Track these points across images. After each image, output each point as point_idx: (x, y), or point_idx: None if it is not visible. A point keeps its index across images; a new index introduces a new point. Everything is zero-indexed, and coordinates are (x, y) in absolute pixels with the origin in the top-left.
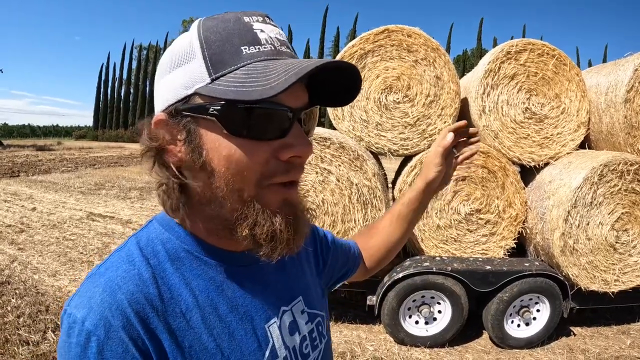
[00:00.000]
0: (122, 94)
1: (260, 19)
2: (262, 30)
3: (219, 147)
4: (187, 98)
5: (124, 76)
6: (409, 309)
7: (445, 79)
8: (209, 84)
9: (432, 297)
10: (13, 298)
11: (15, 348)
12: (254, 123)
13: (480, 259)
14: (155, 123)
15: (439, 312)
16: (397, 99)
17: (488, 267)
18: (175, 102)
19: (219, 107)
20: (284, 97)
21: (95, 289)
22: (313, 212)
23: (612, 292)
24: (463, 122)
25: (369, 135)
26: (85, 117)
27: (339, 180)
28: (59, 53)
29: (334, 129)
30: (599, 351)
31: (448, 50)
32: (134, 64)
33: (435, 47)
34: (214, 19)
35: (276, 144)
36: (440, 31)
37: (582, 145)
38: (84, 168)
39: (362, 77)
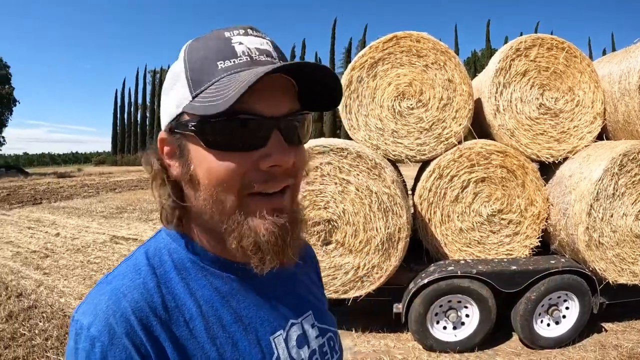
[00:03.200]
0: (139, 118)
1: (242, 31)
2: (240, 43)
3: (201, 161)
4: (178, 117)
5: (139, 100)
6: (436, 314)
7: (457, 81)
8: (191, 101)
9: (459, 302)
10: (40, 321)
11: None
12: (227, 135)
13: (505, 260)
14: (159, 141)
15: (467, 316)
16: (411, 104)
17: (514, 267)
18: (171, 121)
19: (195, 123)
20: (261, 106)
21: (101, 297)
22: (334, 223)
23: None
24: None
25: (385, 143)
26: (103, 143)
27: (358, 190)
28: (71, 81)
29: (350, 139)
30: (632, 346)
31: (456, 52)
32: (149, 88)
33: (444, 50)
34: (198, 40)
35: (257, 154)
36: (447, 34)
37: (600, 137)
38: (104, 192)
39: (374, 85)
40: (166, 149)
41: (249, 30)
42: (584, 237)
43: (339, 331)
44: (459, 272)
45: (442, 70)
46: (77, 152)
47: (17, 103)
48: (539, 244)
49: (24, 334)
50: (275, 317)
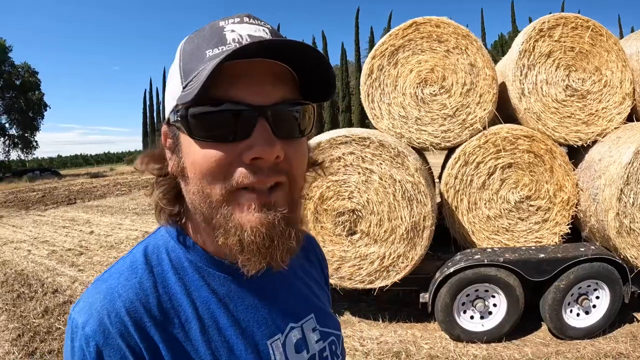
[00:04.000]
0: None
1: (238, 20)
2: (232, 31)
3: (189, 152)
4: (173, 108)
5: None
6: (463, 304)
7: (480, 65)
8: (182, 91)
9: (486, 291)
10: None
11: None
12: (209, 125)
13: (533, 247)
14: (162, 135)
15: (494, 305)
16: (434, 91)
17: (542, 255)
18: (169, 114)
19: (179, 113)
20: (246, 94)
21: (96, 295)
22: (359, 213)
23: None
24: None
25: (409, 131)
26: (134, 142)
27: (381, 179)
28: (102, 84)
29: (375, 128)
30: None
31: (483, 36)
32: None
33: (465, 34)
34: (195, 31)
35: (241, 145)
36: (473, 19)
37: (630, 118)
38: (137, 190)
39: (396, 73)
40: (168, 142)
41: (245, 18)
42: (615, 223)
43: (364, 322)
44: (485, 260)
45: (464, 55)
46: (109, 152)
47: (47, 108)
48: (569, 231)
49: (59, 327)
50: (274, 321)
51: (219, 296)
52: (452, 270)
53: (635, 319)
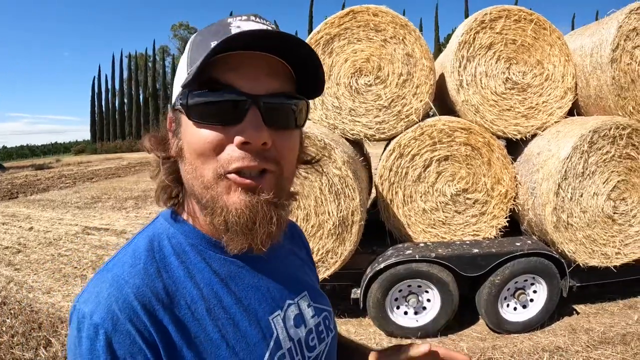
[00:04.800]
0: (117, 104)
1: (245, 17)
2: (238, 27)
3: (186, 134)
4: (179, 94)
5: (117, 87)
6: (395, 299)
7: (418, 56)
8: (186, 77)
9: (419, 286)
10: (8, 318)
11: None
12: (205, 107)
13: (467, 242)
14: (168, 120)
15: (428, 300)
16: (369, 81)
17: (476, 250)
18: (175, 99)
19: (181, 96)
20: (242, 82)
21: (102, 284)
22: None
23: (615, 266)
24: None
25: (342, 122)
26: (83, 132)
27: (307, 172)
28: (50, 71)
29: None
30: (604, 329)
31: (437, 30)
32: (125, 74)
33: (403, 24)
34: (206, 27)
35: (233, 130)
36: (427, 12)
37: (571, 113)
38: (81, 183)
39: (331, 62)
40: (173, 126)
41: (252, 17)
42: (552, 217)
43: None
44: (417, 256)
45: (402, 45)
46: (56, 143)
47: None
48: (507, 224)
49: None
50: (273, 298)
51: (221, 277)
52: (382, 266)
53: (574, 312)
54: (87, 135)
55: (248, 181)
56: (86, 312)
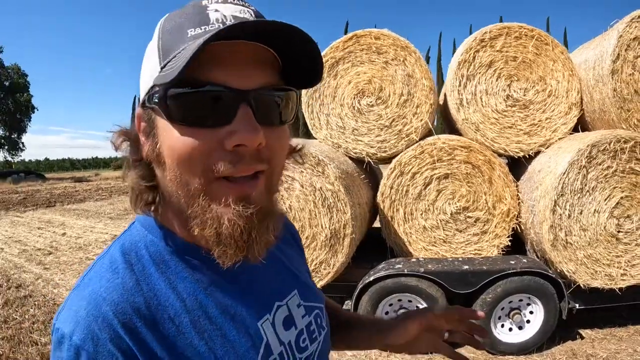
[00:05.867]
0: None
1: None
2: (216, 10)
3: (165, 136)
4: (150, 89)
5: None
6: (386, 313)
7: (418, 76)
8: (160, 72)
9: (410, 301)
10: (32, 308)
11: (26, 347)
12: (189, 108)
13: (460, 259)
14: (136, 117)
15: None
16: (370, 102)
17: (466, 267)
18: (144, 95)
19: (157, 95)
20: (228, 77)
21: (80, 302)
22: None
23: (620, 289)
24: (479, 314)
25: (346, 141)
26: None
27: (302, 186)
28: (94, 87)
29: (313, 138)
30: (607, 356)
31: (439, 59)
32: None
33: (404, 46)
34: (177, 10)
35: (223, 131)
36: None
37: (578, 129)
38: (117, 195)
39: (335, 84)
40: (142, 125)
41: None
42: (549, 235)
43: None
44: (405, 270)
45: (402, 66)
46: (96, 157)
47: (35, 110)
48: (509, 243)
49: (16, 318)
50: (261, 302)
51: (204, 285)
52: (371, 278)
53: (579, 336)
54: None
55: (240, 188)
56: (65, 333)
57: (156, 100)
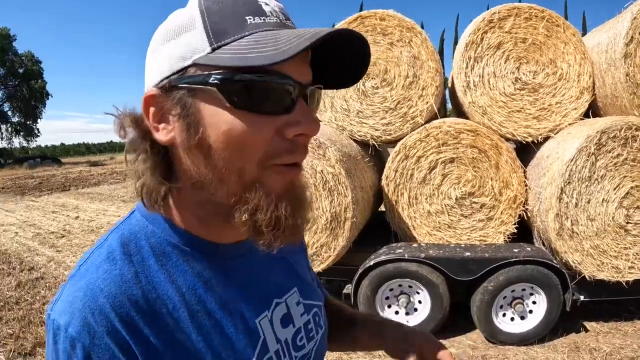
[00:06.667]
0: None
1: None
2: (266, 4)
3: (218, 121)
4: (183, 70)
5: None
6: (387, 298)
7: (424, 58)
8: (210, 53)
9: (410, 286)
10: (43, 290)
11: (35, 327)
12: (258, 94)
13: (462, 245)
14: (146, 100)
15: (420, 302)
16: (375, 84)
17: (467, 254)
18: (170, 75)
19: (220, 77)
20: (290, 70)
21: (76, 293)
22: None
23: (627, 282)
24: None
25: (350, 124)
26: None
27: (303, 169)
28: (109, 73)
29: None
30: (610, 350)
31: (455, 42)
32: None
33: (410, 27)
34: None
35: (280, 120)
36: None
37: (589, 114)
38: (131, 179)
39: None
40: (152, 109)
41: None
42: (554, 224)
43: None
44: (406, 255)
45: (408, 47)
46: (112, 141)
47: (50, 96)
48: (515, 230)
49: (27, 299)
50: (260, 299)
51: (205, 279)
52: (372, 263)
53: (583, 329)
54: None
55: (290, 175)
56: (61, 324)
57: (216, 81)
